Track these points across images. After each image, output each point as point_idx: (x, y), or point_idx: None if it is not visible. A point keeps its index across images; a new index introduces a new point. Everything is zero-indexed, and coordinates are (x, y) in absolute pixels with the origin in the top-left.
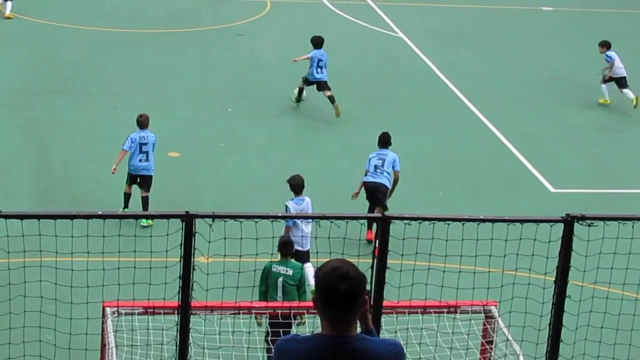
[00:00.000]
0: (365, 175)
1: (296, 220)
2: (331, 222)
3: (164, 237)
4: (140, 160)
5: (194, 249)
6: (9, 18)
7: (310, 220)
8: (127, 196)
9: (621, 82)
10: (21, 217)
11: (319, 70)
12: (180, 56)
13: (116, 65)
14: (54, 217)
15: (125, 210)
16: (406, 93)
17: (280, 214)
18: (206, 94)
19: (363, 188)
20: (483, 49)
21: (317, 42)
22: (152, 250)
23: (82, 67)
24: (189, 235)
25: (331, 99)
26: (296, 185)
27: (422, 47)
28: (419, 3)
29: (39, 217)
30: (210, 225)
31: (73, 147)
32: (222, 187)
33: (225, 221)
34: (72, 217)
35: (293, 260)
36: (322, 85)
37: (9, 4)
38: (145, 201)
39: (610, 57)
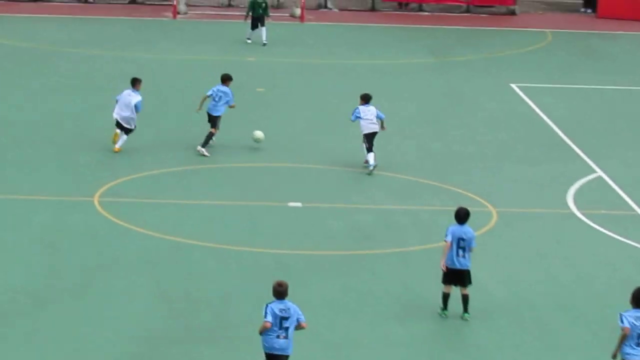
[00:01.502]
0: None
1: None
2: None
3: None
4: (278, 337)
5: None
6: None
7: None
8: None
9: None
10: None
11: (460, 252)
12: (369, 287)
13: None
14: None
15: None
16: None
17: None
18: (410, 339)
19: None
20: None
21: (458, 215)
22: None
23: (234, 302)
24: None
25: (465, 299)
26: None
27: None
28: None
29: None
30: None
31: None
32: None
33: None
34: None
35: None
36: (462, 277)
37: (124, 137)
38: None
39: None
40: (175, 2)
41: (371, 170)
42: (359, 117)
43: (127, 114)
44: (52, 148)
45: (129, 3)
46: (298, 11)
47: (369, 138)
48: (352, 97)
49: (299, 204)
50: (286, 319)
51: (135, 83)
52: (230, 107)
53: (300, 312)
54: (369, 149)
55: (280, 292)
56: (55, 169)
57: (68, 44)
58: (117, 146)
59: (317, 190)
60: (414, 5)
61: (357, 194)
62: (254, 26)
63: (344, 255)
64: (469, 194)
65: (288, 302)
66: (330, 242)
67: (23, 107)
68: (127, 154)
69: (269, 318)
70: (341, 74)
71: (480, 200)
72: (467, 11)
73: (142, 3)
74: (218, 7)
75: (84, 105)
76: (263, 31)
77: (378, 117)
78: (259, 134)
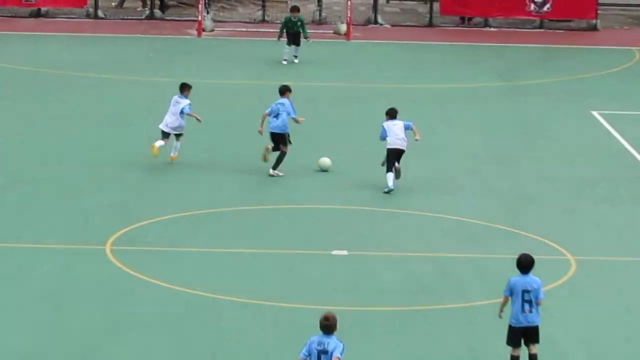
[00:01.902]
0: None
1: None
2: None
3: None
4: None
5: None
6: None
7: None
8: None
9: None
10: None
11: (526, 307)
12: (427, 348)
13: None
14: None
15: None
16: None
17: None
18: None
19: None
20: None
21: (521, 263)
22: None
23: None
24: None
25: (534, 359)
26: None
27: None
28: None
29: None
30: None
31: None
32: None
33: None
34: None
35: None
36: (530, 335)
37: (159, 142)
38: None
39: None
40: (200, 18)
41: (387, 192)
42: (385, 134)
43: (176, 124)
44: (58, 188)
45: (147, 18)
46: (344, 27)
47: (393, 155)
48: None
49: (344, 252)
50: (325, 353)
51: (184, 89)
52: (296, 121)
53: (340, 348)
54: (389, 169)
55: (326, 326)
56: (61, 212)
57: (75, 66)
58: (172, 155)
59: (366, 235)
60: (478, 19)
61: (412, 239)
62: (290, 42)
63: (398, 312)
64: (544, 240)
65: (333, 337)
66: (381, 296)
67: (23, 141)
68: (144, 195)
69: (303, 352)
70: (393, 100)
71: (557, 247)
72: (541, 26)
73: (161, 19)
74: (249, 22)
75: (94, 138)
76: (296, 49)
77: (406, 129)
78: (325, 161)
